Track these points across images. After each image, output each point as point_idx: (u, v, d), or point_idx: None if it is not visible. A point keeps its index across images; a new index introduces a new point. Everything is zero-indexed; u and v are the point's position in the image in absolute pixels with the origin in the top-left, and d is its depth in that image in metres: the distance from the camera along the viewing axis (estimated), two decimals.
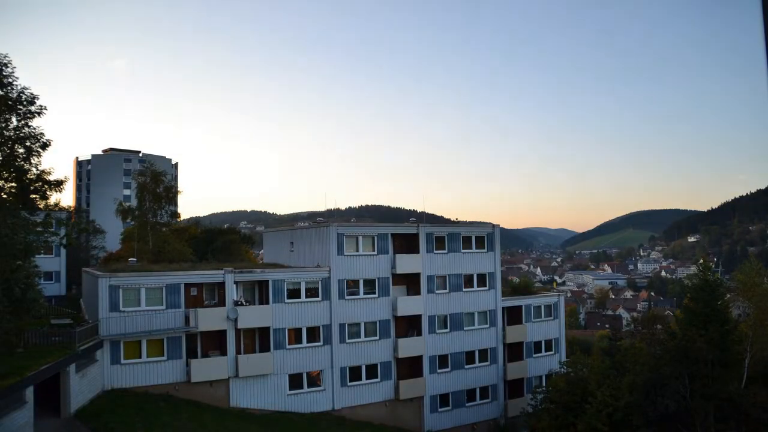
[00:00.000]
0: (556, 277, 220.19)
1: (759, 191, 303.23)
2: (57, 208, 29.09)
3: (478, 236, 42.35)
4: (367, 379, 37.34)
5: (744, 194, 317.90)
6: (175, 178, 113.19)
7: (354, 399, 36.79)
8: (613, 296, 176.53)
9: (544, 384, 39.73)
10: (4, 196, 23.99)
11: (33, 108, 23.53)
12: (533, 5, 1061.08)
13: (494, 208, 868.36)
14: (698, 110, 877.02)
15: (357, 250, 37.51)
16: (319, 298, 35.96)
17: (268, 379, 33.87)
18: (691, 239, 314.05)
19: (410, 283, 39.80)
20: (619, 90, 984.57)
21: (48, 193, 24.89)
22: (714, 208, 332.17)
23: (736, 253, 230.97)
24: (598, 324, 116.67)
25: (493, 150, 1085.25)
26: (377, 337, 37.83)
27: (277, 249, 45.36)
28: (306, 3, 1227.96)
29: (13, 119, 23.38)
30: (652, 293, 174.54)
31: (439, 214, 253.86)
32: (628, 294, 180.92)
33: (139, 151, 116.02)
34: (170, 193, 53.87)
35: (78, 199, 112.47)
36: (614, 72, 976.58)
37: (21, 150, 23.70)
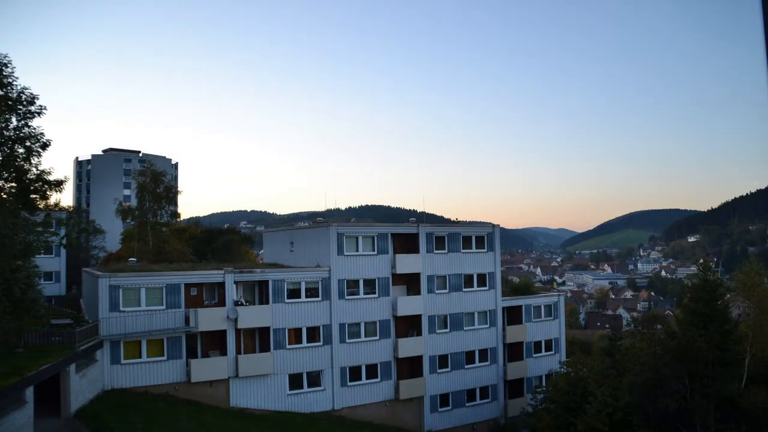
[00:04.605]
0: (556, 277, 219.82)
1: (759, 191, 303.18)
2: (57, 208, 29.07)
3: (478, 236, 42.34)
4: (367, 379, 37.34)
5: (744, 194, 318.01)
6: (175, 178, 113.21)
7: (354, 399, 36.79)
8: (613, 296, 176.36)
9: (544, 384, 39.72)
10: (4, 196, 24.01)
11: (33, 108, 23.58)
12: (534, 3, 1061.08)
13: (494, 208, 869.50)
14: (698, 110, 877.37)
15: (357, 250, 37.50)
16: (319, 298, 35.96)
17: (268, 379, 33.87)
18: (691, 239, 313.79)
19: (410, 283, 39.79)
20: (620, 90, 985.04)
21: (48, 193, 24.93)
22: (714, 208, 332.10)
23: (736, 253, 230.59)
24: (598, 324, 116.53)
25: (493, 150, 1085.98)
26: (377, 337, 37.83)
27: (277, 249, 45.33)
28: (306, 2, 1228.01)
29: (13, 119, 23.39)
30: (652, 293, 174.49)
31: (439, 214, 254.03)
32: (628, 294, 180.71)
33: (139, 151, 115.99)
34: (170, 193, 53.88)
35: (78, 199, 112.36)
36: (614, 72, 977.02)
37: (21, 150, 23.74)
